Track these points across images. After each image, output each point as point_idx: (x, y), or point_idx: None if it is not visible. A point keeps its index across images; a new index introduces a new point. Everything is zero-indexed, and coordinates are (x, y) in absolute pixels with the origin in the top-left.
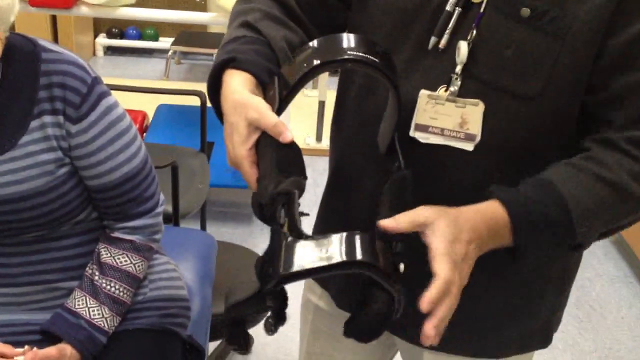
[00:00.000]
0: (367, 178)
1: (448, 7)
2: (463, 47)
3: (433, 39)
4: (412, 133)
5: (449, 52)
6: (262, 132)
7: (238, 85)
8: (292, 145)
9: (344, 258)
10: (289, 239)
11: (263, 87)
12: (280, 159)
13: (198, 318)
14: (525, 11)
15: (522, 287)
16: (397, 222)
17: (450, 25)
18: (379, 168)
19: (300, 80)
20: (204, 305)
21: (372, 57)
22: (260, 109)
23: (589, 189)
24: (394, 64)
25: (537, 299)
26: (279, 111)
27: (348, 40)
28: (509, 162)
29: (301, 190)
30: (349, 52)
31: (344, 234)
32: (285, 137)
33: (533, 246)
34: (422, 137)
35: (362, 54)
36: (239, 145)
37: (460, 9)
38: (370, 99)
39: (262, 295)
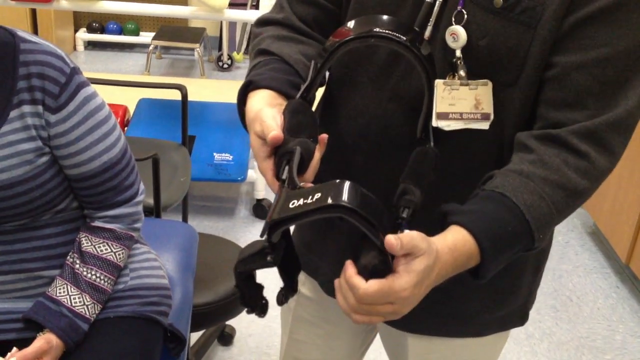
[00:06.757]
0: (359, 155)
1: None
2: (461, 32)
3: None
4: (435, 123)
5: (433, 43)
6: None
7: (255, 103)
8: (307, 112)
9: (329, 202)
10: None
11: (286, 95)
12: (292, 123)
13: (179, 308)
14: (498, 1)
15: (502, 270)
16: (400, 247)
17: (433, 16)
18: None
19: (341, 45)
20: (186, 295)
21: (403, 37)
22: (264, 120)
23: (540, 195)
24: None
25: (517, 279)
26: (315, 81)
27: (383, 20)
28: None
29: (307, 150)
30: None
31: (335, 181)
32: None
33: (496, 265)
34: (444, 125)
35: (394, 33)
36: (258, 158)
37: (441, 1)
38: (391, 80)
39: (263, 250)
